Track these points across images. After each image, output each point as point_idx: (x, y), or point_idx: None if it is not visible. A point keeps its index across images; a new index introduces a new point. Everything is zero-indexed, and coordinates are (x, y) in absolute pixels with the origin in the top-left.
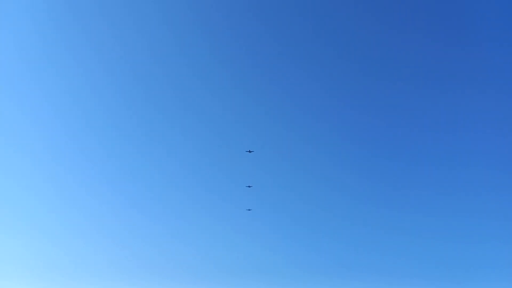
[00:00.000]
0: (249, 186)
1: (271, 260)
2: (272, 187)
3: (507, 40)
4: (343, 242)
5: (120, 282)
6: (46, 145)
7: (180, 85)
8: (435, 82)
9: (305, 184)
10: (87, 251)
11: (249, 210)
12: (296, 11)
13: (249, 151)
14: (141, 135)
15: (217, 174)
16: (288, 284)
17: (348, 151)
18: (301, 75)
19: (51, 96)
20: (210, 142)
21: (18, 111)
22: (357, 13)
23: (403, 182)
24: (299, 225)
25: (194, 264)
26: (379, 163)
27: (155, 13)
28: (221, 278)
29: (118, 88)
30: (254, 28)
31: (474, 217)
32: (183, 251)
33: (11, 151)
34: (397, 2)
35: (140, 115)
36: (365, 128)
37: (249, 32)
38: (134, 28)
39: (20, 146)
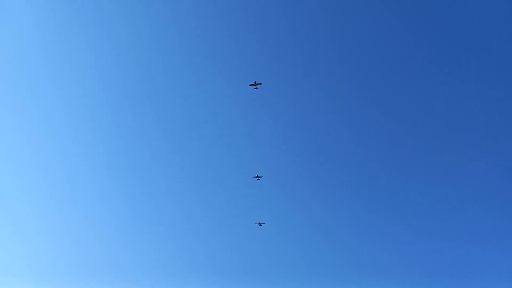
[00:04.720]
0: (257, 177)
1: (271, 260)
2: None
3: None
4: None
5: (120, 282)
6: (43, 143)
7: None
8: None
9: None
10: (88, 251)
11: (260, 224)
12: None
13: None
14: (140, 134)
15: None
16: (288, 284)
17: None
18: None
19: (49, 95)
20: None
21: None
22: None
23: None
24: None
25: (194, 264)
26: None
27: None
28: (220, 278)
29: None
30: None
31: (475, 217)
32: (183, 249)
33: (10, 150)
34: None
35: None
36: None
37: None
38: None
39: (19, 145)
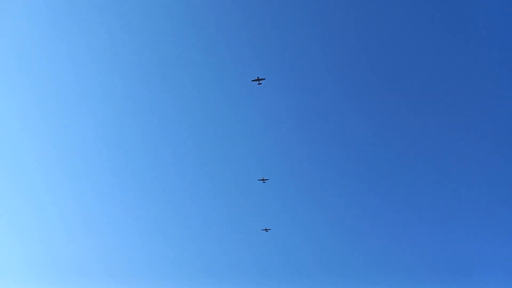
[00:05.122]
0: (263, 180)
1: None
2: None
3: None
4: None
5: (121, 282)
6: (43, 143)
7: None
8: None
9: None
10: (90, 250)
11: (266, 230)
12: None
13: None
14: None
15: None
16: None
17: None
18: None
19: (49, 94)
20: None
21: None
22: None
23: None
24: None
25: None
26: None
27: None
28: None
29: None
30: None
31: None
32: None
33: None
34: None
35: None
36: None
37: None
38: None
39: (19, 145)
